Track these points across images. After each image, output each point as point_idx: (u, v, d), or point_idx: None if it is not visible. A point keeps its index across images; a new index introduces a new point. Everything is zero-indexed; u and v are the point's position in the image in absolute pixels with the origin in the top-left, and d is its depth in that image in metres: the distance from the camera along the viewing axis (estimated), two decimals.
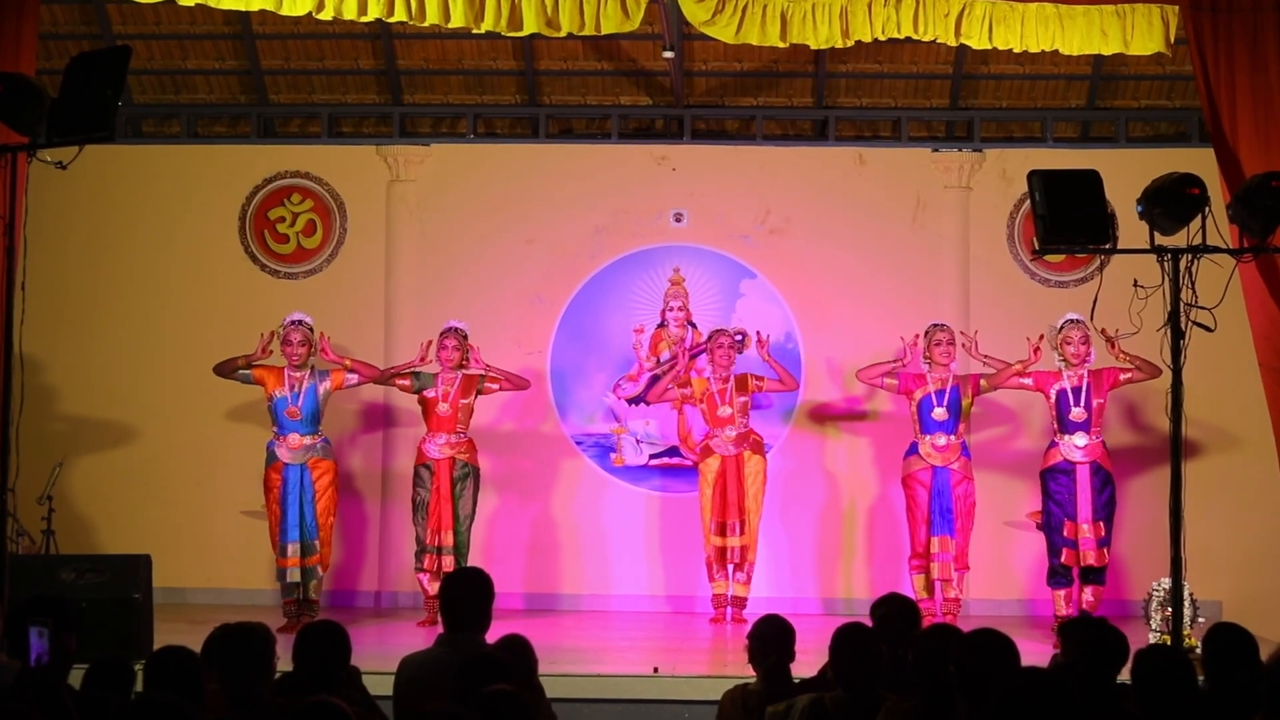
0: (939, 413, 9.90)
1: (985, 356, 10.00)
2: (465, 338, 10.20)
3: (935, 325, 10.16)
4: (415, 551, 10.18)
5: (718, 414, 10.31)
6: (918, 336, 10.12)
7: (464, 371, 10.18)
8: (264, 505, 10.16)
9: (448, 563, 9.91)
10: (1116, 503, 9.75)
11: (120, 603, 8.27)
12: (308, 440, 9.99)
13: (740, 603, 10.32)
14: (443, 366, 10.16)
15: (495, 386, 10.24)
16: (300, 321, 10.05)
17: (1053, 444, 9.78)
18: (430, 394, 10.11)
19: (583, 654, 9.05)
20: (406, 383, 10.21)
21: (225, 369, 10.04)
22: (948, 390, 9.93)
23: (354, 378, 10.13)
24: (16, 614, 4.98)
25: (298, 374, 10.01)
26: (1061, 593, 9.71)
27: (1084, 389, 9.65)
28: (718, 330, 10.61)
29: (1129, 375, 9.66)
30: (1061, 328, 9.76)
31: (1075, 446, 9.64)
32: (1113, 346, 9.49)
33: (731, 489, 10.23)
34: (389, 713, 5.25)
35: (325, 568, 10.14)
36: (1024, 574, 10.94)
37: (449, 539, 10.00)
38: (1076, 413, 9.63)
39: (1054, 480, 9.69)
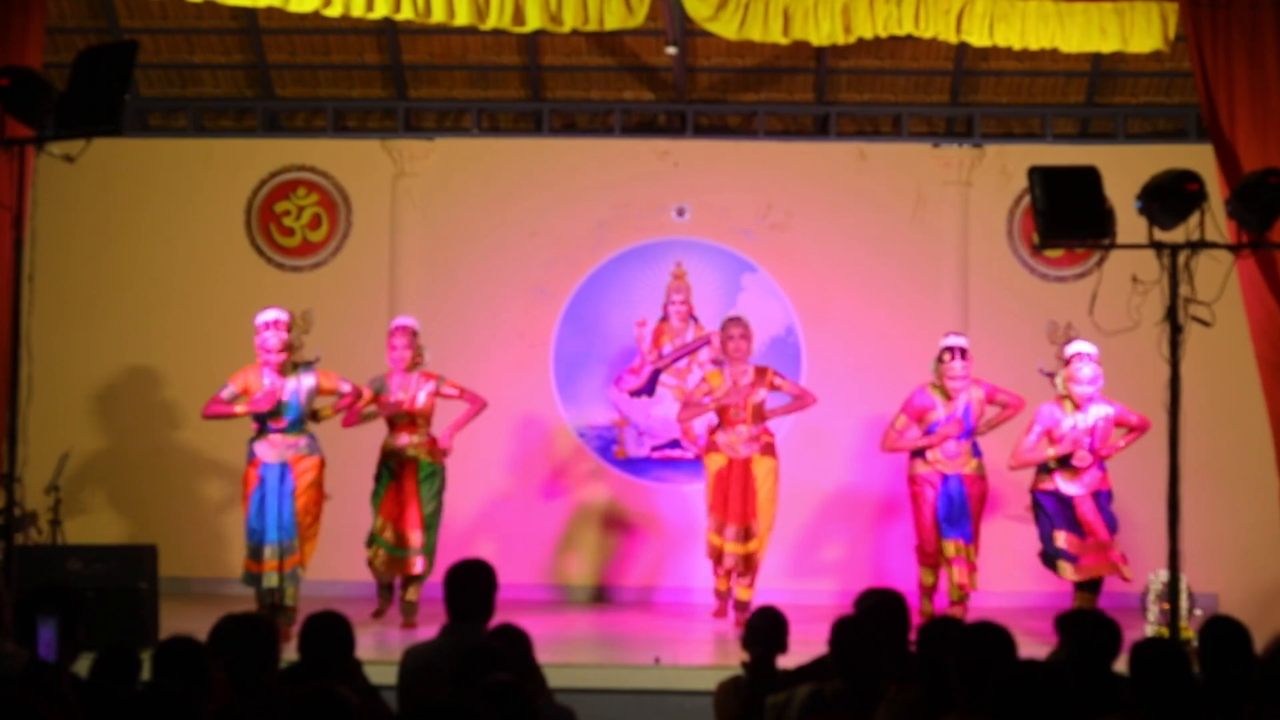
0: (951, 446, 9.46)
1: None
2: (415, 335, 9.63)
3: (948, 349, 9.48)
4: (366, 540, 9.69)
5: (730, 412, 9.73)
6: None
7: (419, 371, 9.64)
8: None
9: (418, 565, 9.51)
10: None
11: (127, 592, 8.34)
12: (291, 439, 9.18)
13: (743, 606, 9.62)
14: (394, 367, 9.64)
15: (454, 393, 9.70)
16: (276, 322, 9.11)
17: (1048, 469, 9.29)
18: (390, 398, 9.59)
19: (584, 644, 9.08)
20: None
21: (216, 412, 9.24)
22: (960, 418, 9.41)
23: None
24: (26, 604, 5.02)
25: (278, 379, 9.13)
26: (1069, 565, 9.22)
27: (1090, 439, 9.18)
28: (731, 319, 9.91)
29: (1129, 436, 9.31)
30: (1069, 360, 9.25)
31: (1074, 483, 9.23)
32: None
33: (735, 495, 9.58)
34: (392, 703, 5.30)
35: (305, 568, 9.22)
36: (1024, 567, 10.95)
37: (417, 539, 9.50)
38: (1081, 456, 9.15)
39: (1046, 500, 9.28)
